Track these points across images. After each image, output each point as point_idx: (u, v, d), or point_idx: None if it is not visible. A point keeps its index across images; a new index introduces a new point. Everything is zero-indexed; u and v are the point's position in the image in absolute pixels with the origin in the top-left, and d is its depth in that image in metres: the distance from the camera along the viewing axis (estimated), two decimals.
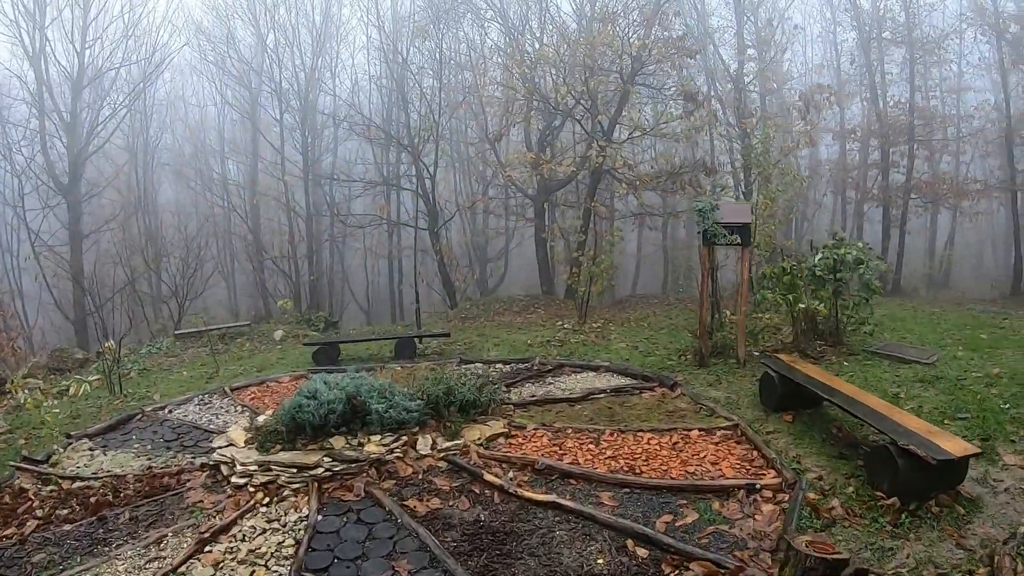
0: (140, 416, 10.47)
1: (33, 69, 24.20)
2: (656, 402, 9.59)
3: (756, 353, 11.44)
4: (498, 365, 12.56)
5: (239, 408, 10.67)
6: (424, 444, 7.79)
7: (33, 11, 23.80)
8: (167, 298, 24.15)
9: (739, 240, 11.05)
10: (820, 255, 11.75)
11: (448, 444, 7.80)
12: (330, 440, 7.66)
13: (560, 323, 17.11)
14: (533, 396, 10.06)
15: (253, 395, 11.43)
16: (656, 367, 11.65)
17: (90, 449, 8.97)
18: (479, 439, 7.99)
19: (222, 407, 10.82)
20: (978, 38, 26.40)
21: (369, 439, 7.76)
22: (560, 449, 7.80)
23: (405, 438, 7.85)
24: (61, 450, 8.75)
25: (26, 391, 9.93)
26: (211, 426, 9.72)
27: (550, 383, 10.97)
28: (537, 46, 22.76)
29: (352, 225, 27.57)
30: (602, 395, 10.03)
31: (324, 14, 29.00)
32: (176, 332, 19.03)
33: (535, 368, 11.92)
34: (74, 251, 24.58)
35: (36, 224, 25.21)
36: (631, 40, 19.80)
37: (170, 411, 10.73)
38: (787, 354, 10.37)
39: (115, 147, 29.39)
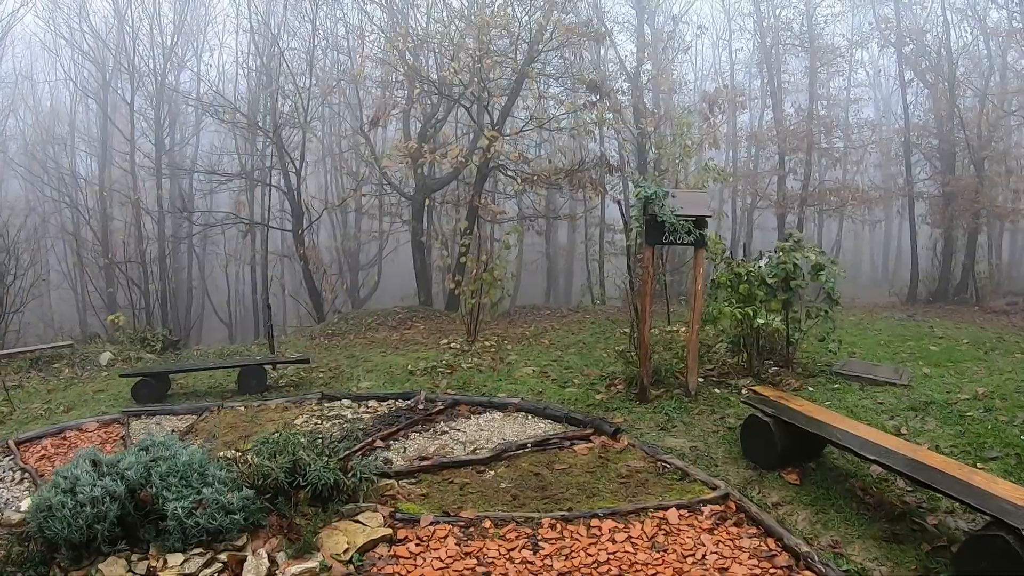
0: None
1: None
2: (598, 459, 6.73)
3: (701, 380, 8.89)
4: (371, 403, 9.44)
5: (17, 474, 7.56)
6: (255, 569, 4.47)
7: None
8: None
9: (693, 239, 8.11)
10: (767, 260, 9.37)
11: (297, 569, 4.54)
12: (100, 567, 4.49)
13: (445, 341, 13.97)
14: (423, 457, 6.91)
15: (44, 451, 8.34)
16: (583, 403, 8.79)
17: None
18: (347, 552, 4.78)
19: (3, 470, 7.73)
20: (882, 50, 25.87)
21: (165, 561, 4.56)
22: (479, 563, 4.74)
23: (224, 557, 4.61)
24: None
25: None
26: None
27: (444, 432, 7.91)
28: (424, 25, 19.77)
29: (199, 224, 23.67)
30: (521, 451, 6.99)
31: None
32: None
33: (421, 408, 8.71)
34: None
35: None
36: (529, 23, 17.19)
37: None
38: (769, 387, 7.70)
39: None
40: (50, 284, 26.45)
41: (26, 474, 7.43)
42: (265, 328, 15.29)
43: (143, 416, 9.40)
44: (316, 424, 8.47)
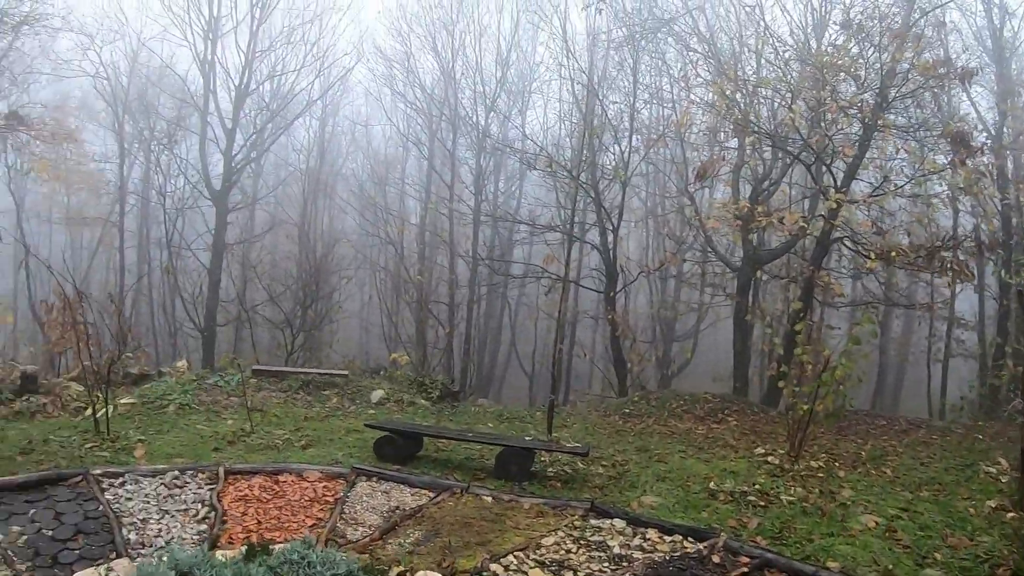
0: (81, 480, 7.41)
1: (202, 76, 23.51)
2: None
3: None
4: (650, 534, 6.89)
5: (204, 509, 7.05)
6: None
7: (210, 20, 23.21)
8: (281, 325, 21.63)
9: None
10: None
11: None
12: None
13: (760, 451, 11.20)
14: None
15: (248, 492, 7.61)
16: None
17: None
18: None
19: (188, 501, 7.29)
20: None
21: None
22: None
23: None
24: None
25: None
26: (133, 534, 6.43)
27: None
28: (754, 68, 17.93)
29: (506, 273, 23.95)
30: None
31: (510, 40, 25.84)
32: (255, 368, 14.87)
33: (716, 564, 6.17)
34: (215, 259, 23.03)
35: (182, 226, 25.24)
36: (878, 61, 14.60)
37: (123, 482, 7.56)
38: None
39: (285, 164, 29.01)
40: (362, 316, 29.03)
41: (212, 513, 6.91)
42: (547, 402, 13.40)
43: (374, 478, 8.26)
44: (568, 553, 6.45)
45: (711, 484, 8.95)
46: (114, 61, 25.88)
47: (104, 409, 10.25)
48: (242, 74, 23.47)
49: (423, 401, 14.68)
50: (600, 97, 19.58)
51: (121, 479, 7.66)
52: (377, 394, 14.34)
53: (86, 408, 11.07)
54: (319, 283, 21.05)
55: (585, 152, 18.91)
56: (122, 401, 11.87)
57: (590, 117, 18.72)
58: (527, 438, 10.85)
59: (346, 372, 15.86)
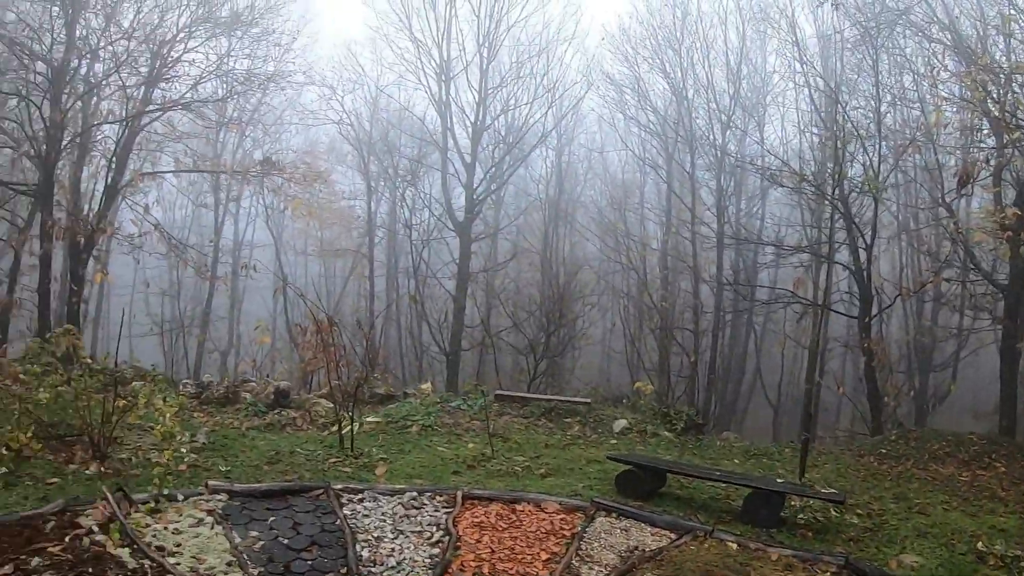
0: (321, 493, 7.88)
1: (439, 115, 25.43)
2: None
3: None
4: None
5: (438, 533, 7.23)
6: None
7: (441, 64, 25.07)
8: (524, 351, 22.55)
9: None
10: None
11: None
12: None
13: None
14: None
15: (484, 519, 7.70)
16: None
17: (208, 513, 7.03)
18: None
19: (423, 523, 7.48)
20: None
21: None
22: None
23: None
24: (164, 501, 7.15)
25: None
26: (366, 551, 6.69)
27: None
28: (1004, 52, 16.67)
29: (752, 299, 23.60)
30: None
31: (739, 52, 25.25)
32: (498, 392, 15.13)
33: None
34: (459, 288, 24.59)
35: (428, 256, 27.22)
36: None
37: (361, 499, 7.95)
38: None
39: (524, 194, 30.43)
40: (603, 342, 28.93)
41: (446, 537, 7.04)
42: (799, 441, 12.55)
43: (613, 514, 8.04)
44: None
45: (979, 544, 8.11)
46: (355, 108, 28.89)
47: (350, 426, 10.80)
48: (477, 111, 25.19)
49: (666, 433, 14.52)
50: (841, 102, 18.80)
51: (360, 495, 8.11)
52: (620, 424, 14.38)
53: (333, 424, 11.91)
54: (563, 310, 22.00)
55: (830, 164, 17.91)
56: (368, 419, 12.61)
57: (832, 125, 17.74)
58: (779, 480, 10.28)
59: (588, 400, 16.21)
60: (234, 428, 12.09)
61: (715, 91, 24.56)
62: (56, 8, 17.16)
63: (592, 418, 14.67)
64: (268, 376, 17.43)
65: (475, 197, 24.84)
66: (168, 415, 8.09)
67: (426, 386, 16.15)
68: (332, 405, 12.84)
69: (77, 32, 17.47)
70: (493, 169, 25.51)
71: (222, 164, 24.69)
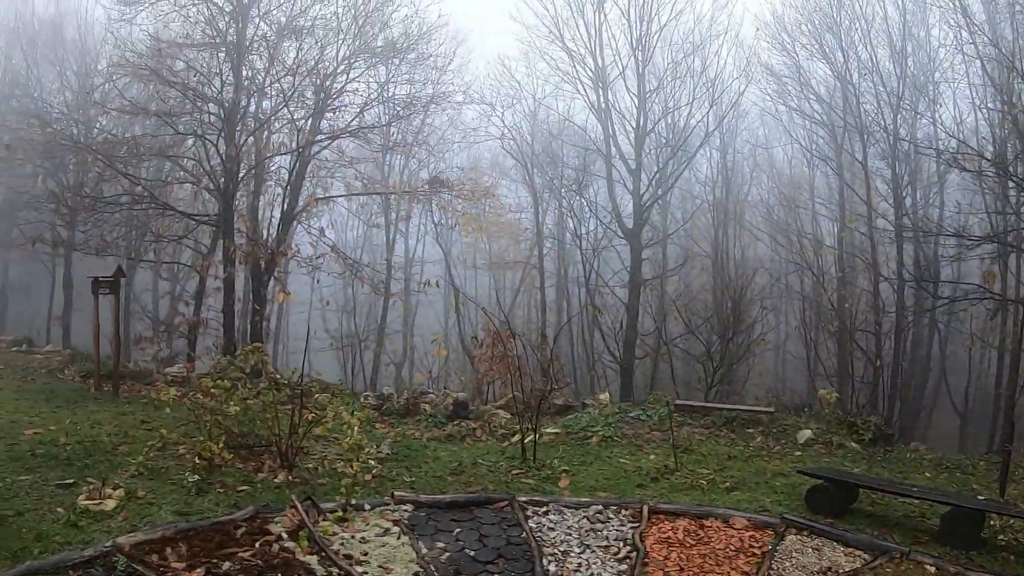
0: (506, 505, 8.02)
1: (599, 123, 25.54)
2: None
3: None
4: None
5: (625, 549, 7.07)
6: None
7: (596, 71, 25.11)
8: (700, 358, 21.60)
9: None
10: None
11: None
12: None
13: None
14: None
15: (672, 535, 7.52)
16: None
17: (394, 523, 7.32)
18: None
19: (609, 538, 7.36)
20: None
21: None
22: None
23: None
24: (351, 511, 7.51)
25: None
26: (553, 566, 6.68)
27: None
28: None
29: (940, 296, 21.31)
30: None
31: (901, 27, 23.53)
32: (676, 402, 14.65)
33: None
34: (631, 296, 24.38)
35: (597, 265, 27.13)
36: None
37: (546, 511, 8.02)
38: None
39: (690, 197, 29.86)
40: (779, 347, 28.21)
41: (633, 553, 6.93)
42: (1000, 453, 11.44)
43: (804, 531, 7.78)
44: None
45: None
46: (516, 122, 29.13)
47: (532, 437, 10.67)
48: (637, 116, 24.93)
49: (853, 444, 13.62)
50: (1018, 70, 17.53)
51: (545, 508, 8.20)
52: (804, 434, 13.72)
53: (512, 435, 12.21)
54: (740, 315, 21.02)
55: (1013, 141, 16.44)
56: (547, 430, 12.39)
57: (1009, 97, 16.35)
58: (979, 497, 9.61)
59: (771, 409, 15.52)
60: (415, 439, 12.42)
61: (881, 72, 23.23)
62: (222, 53, 18.64)
63: (775, 428, 14.10)
64: (445, 388, 17.71)
65: (642, 203, 24.51)
66: (356, 427, 8.38)
67: (604, 396, 15.93)
68: (510, 416, 12.84)
69: (244, 73, 18.86)
70: (657, 174, 25.14)
71: (391, 185, 25.88)
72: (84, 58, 27.06)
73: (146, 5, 18.65)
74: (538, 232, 29.44)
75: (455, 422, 13.56)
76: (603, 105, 25.02)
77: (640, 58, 24.73)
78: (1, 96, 29.60)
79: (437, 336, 21.09)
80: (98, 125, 23.47)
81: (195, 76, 18.38)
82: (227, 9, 18.61)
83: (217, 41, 18.68)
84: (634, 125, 24.78)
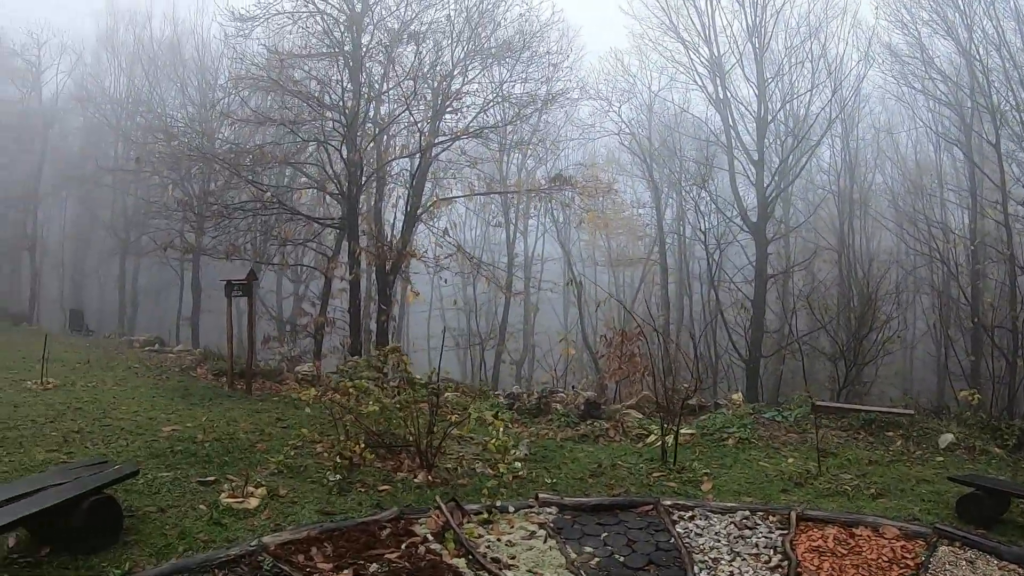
0: (651, 508, 7.79)
1: (718, 113, 25.38)
2: None
3: None
4: None
5: (776, 557, 6.78)
6: None
7: (711, 60, 25.08)
8: (835, 357, 20.72)
9: None
10: None
11: None
12: None
13: None
14: None
15: (822, 543, 7.14)
16: None
17: (539, 526, 7.20)
18: None
19: (759, 545, 7.07)
20: None
21: None
22: None
23: None
24: (495, 512, 7.42)
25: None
26: (704, 573, 6.46)
27: None
28: None
29: None
30: None
31: None
32: (816, 403, 14.06)
33: None
34: (757, 292, 24.09)
35: (720, 260, 26.75)
36: None
37: (692, 516, 7.77)
38: None
39: (813, 187, 29.51)
40: (910, 343, 26.83)
41: (785, 562, 6.62)
42: None
43: (956, 542, 7.18)
44: None
45: None
46: (632, 117, 29.15)
47: (673, 439, 10.46)
48: (758, 105, 24.64)
49: (996, 449, 12.67)
50: None
51: (691, 513, 7.94)
52: (946, 438, 12.79)
53: (647, 436, 11.93)
54: (874, 311, 20.00)
55: None
56: (682, 431, 12.03)
57: None
58: None
59: (911, 411, 14.48)
60: (549, 439, 12.31)
61: (1009, 46, 22.02)
62: (340, 61, 19.12)
63: (915, 431, 13.19)
64: (573, 387, 17.57)
65: (767, 195, 24.16)
66: (501, 428, 8.54)
67: (737, 396, 15.50)
68: (642, 416, 12.55)
69: (362, 79, 19.26)
70: (780, 164, 24.68)
71: (510, 184, 26.06)
72: (203, 74, 28.65)
73: (261, 20, 19.24)
74: (660, 227, 29.42)
75: (587, 422, 13.33)
76: (721, 95, 24.84)
77: (757, 44, 24.37)
78: (127, 113, 31.69)
79: (564, 335, 21.07)
80: (220, 136, 24.46)
81: (315, 85, 18.96)
82: (341, 20, 19.16)
83: (335, 51, 19.24)
84: (754, 114, 24.48)
